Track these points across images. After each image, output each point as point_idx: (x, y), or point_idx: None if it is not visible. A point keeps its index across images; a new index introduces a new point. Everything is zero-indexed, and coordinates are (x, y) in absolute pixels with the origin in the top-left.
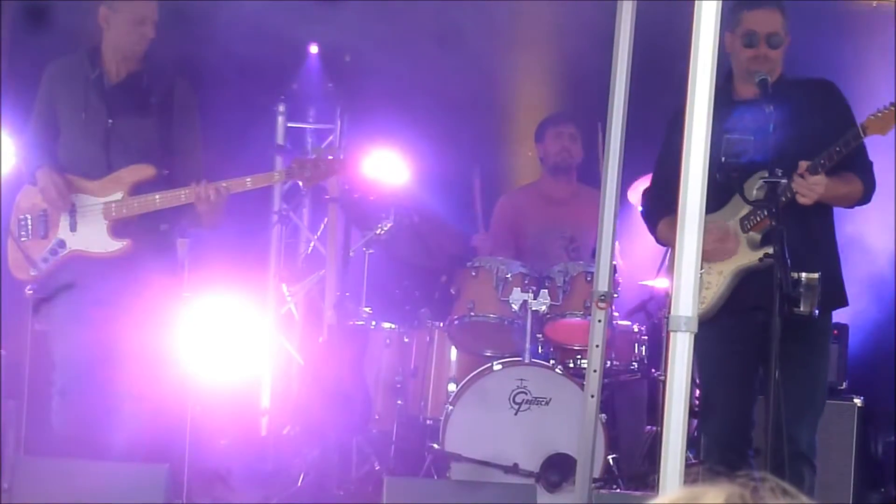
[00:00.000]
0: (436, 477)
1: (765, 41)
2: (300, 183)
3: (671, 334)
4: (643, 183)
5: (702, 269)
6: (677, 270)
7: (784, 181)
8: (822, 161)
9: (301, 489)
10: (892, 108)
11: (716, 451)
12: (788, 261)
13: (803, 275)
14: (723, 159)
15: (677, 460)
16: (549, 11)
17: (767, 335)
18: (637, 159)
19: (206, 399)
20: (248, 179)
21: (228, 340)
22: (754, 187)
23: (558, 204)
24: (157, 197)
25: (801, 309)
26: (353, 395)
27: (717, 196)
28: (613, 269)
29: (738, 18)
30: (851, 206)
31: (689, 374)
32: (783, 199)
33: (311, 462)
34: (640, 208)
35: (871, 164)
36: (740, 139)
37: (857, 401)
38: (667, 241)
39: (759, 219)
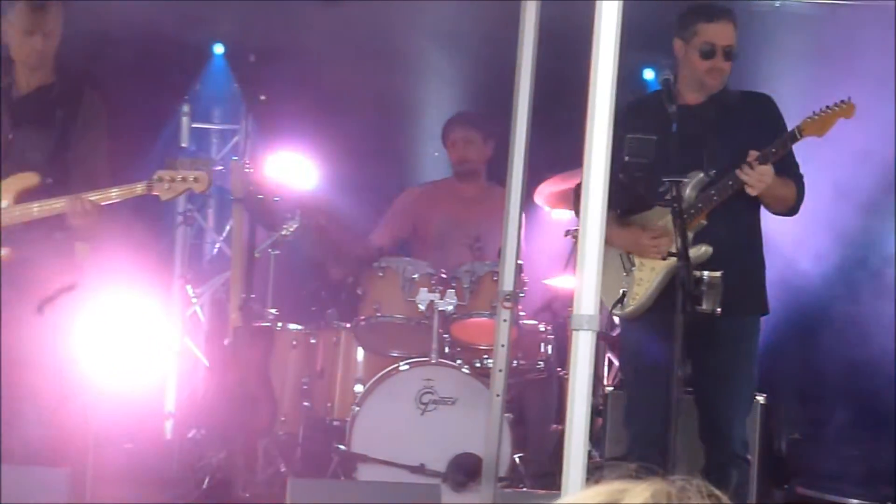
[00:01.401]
0: (342, 478)
1: (722, 54)
2: (158, 195)
3: (573, 333)
4: (551, 185)
5: (634, 266)
6: (579, 269)
7: (689, 178)
8: (773, 150)
9: (206, 492)
10: (829, 111)
11: (639, 448)
12: (708, 258)
13: (706, 273)
14: (626, 159)
15: (580, 458)
16: (455, 10)
17: (696, 332)
18: (545, 159)
19: (109, 402)
20: (115, 191)
21: (132, 343)
22: (690, 184)
23: (466, 203)
24: (35, 207)
25: (704, 307)
26: (259, 397)
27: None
28: (519, 269)
29: (694, 29)
30: (782, 212)
31: (592, 372)
32: (721, 193)
33: (217, 465)
34: (546, 208)
35: (802, 175)
36: (643, 139)
37: (760, 398)
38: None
39: (689, 217)
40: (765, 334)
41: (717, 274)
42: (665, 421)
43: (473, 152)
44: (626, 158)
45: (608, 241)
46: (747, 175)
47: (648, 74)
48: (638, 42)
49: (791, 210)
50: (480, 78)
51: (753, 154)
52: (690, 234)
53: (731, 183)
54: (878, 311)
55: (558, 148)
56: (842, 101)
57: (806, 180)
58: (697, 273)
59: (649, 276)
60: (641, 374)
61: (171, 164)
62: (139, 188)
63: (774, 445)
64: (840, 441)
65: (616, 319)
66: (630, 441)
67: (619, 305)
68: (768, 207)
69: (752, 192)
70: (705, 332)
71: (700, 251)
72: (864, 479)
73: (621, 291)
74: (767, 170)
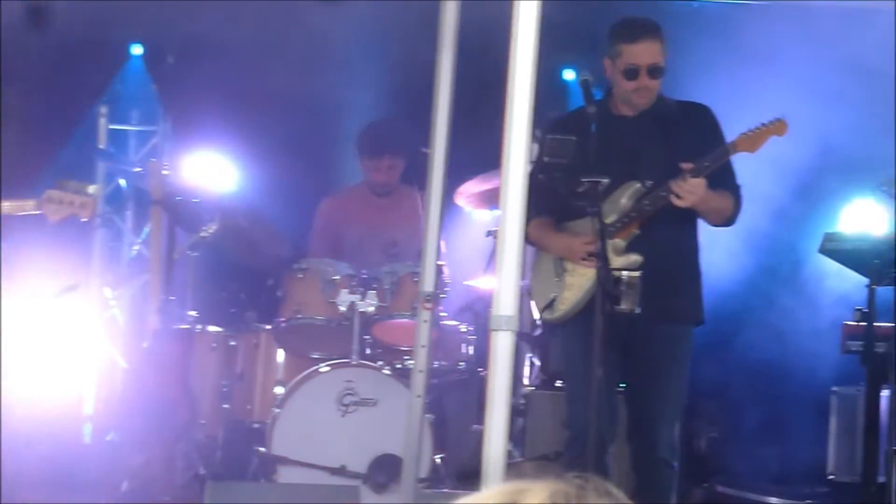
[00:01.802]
0: (263, 480)
1: (646, 73)
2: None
3: (492, 333)
4: (472, 186)
5: (566, 271)
6: (498, 270)
7: (606, 181)
8: (705, 164)
9: (125, 495)
10: (763, 128)
11: (577, 446)
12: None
13: (624, 273)
14: (545, 159)
15: (499, 458)
16: (374, 11)
17: (630, 333)
18: (467, 160)
19: (26, 405)
20: (6, 204)
21: (50, 346)
22: (626, 193)
23: (381, 209)
24: None
25: (623, 307)
26: (179, 400)
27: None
28: (440, 270)
29: (618, 50)
30: (719, 224)
31: (511, 372)
32: (654, 203)
33: (136, 468)
34: (468, 209)
35: (739, 186)
36: (563, 140)
37: None
38: (535, 240)
39: (622, 226)
40: None
41: (636, 274)
42: (594, 421)
43: (382, 176)
44: (546, 159)
45: (543, 247)
46: (679, 187)
47: (569, 75)
48: (557, 43)
49: (728, 221)
50: (401, 79)
51: (687, 166)
52: (623, 243)
53: (663, 194)
54: (792, 314)
55: (480, 148)
56: (776, 119)
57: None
58: (617, 273)
59: (580, 281)
60: (574, 377)
61: (61, 184)
62: (30, 205)
63: (694, 444)
64: (759, 440)
65: (543, 321)
66: (569, 438)
67: (549, 310)
68: (705, 219)
69: (681, 203)
70: (638, 336)
71: (630, 259)
72: (783, 478)
73: (552, 296)
74: (699, 183)
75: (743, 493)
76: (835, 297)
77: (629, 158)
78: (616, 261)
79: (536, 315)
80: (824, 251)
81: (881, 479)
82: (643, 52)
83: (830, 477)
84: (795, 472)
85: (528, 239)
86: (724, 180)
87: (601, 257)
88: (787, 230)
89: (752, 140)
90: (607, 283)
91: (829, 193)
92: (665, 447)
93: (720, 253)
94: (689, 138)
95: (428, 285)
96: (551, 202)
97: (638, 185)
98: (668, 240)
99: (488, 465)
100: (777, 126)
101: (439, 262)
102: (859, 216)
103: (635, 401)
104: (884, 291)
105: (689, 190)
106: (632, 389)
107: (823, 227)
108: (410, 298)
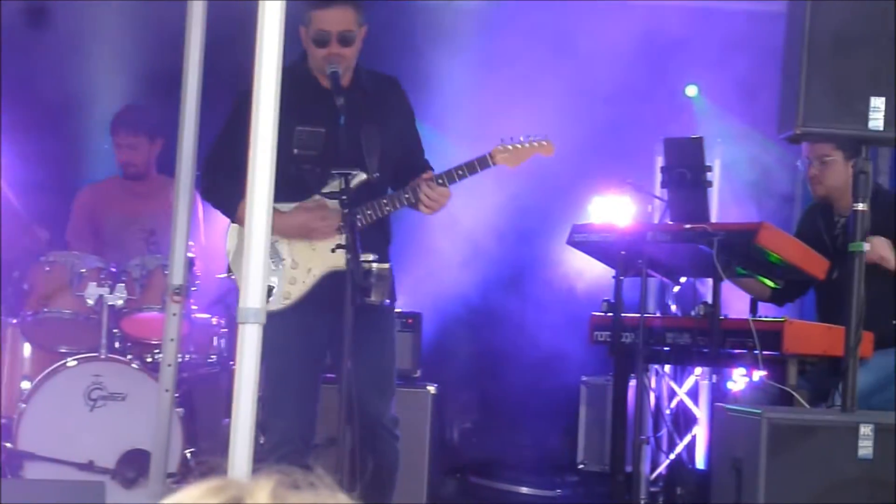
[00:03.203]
0: (9, 476)
1: (337, 40)
2: None
3: (240, 326)
4: None
5: (283, 260)
6: (245, 263)
7: (356, 172)
8: (458, 172)
9: None
10: (526, 145)
11: (286, 444)
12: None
13: (374, 265)
14: (295, 151)
15: (246, 450)
16: (125, 8)
17: (335, 326)
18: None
19: None
20: None
21: None
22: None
23: (138, 198)
24: None
25: (372, 298)
26: None
27: (309, 186)
28: (191, 262)
29: (309, 17)
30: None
31: (259, 365)
32: (395, 204)
33: None
34: None
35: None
36: (312, 132)
37: (431, 388)
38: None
39: (361, 222)
40: (435, 328)
41: (386, 265)
42: (309, 415)
43: (139, 156)
44: (295, 151)
45: (274, 232)
46: (427, 196)
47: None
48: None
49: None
50: (152, 68)
51: (430, 174)
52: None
53: (407, 196)
54: (542, 305)
55: None
56: (544, 139)
57: (482, 188)
58: (367, 265)
59: (305, 276)
60: (282, 369)
61: None
62: None
63: (446, 435)
64: (511, 430)
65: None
66: (275, 437)
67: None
68: (426, 211)
69: (427, 212)
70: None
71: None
72: (534, 467)
73: (268, 284)
74: (446, 192)
75: (495, 483)
76: (584, 288)
77: (347, 143)
78: (342, 259)
79: None
80: (572, 243)
81: (629, 468)
82: (335, 18)
83: (580, 466)
84: (546, 461)
85: (238, 221)
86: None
87: (351, 249)
88: (537, 222)
89: (515, 155)
90: (357, 275)
91: (577, 185)
92: (388, 419)
93: (473, 245)
94: (391, 114)
95: (177, 278)
96: (291, 192)
97: (364, 177)
98: (378, 226)
99: (234, 458)
100: (545, 146)
101: (189, 255)
102: (606, 208)
103: (360, 388)
104: (630, 282)
105: (438, 200)
106: (356, 378)
107: (572, 219)
108: (160, 291)
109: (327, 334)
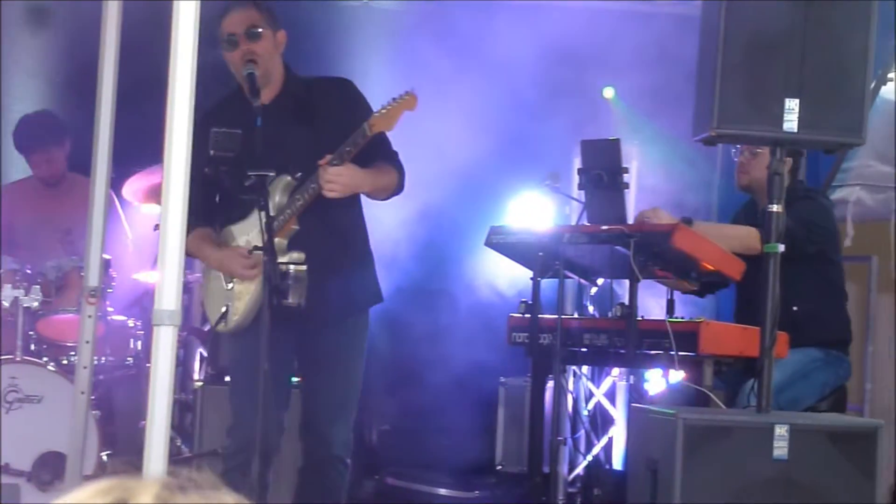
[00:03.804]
0: None
1: (245, 37)
2: None
3: (155, 328)
4: (138, 180)
5: (232, 280)
6: (160, 265)
7: (271, 174)
8: (347, 149)
9: None
10: (394, 104)
11: (244, 451)
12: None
13: (292, 267)
14: (211, 153)
15: (161, 452)
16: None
17: (301, 339)
18: (134, 153)
19: None
20: None
21: None
22: (279, 187)
23: (53, 196)
24: None
25: (290, 301)
26: None
27: (244, 205)
28: (107, 264)
29: (220, 31)
30: (388, 197)
31: (174, 367)
32: (305, 196)
33: None
34: (136, 203)
35: (396, 153)
36: (228, 133)
37: None
38: (193, 253)
39: (279, 224)
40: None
41: (303, 267)
42: (270, 428)
43: (56, 166)
44: (212, 152)
45: (203, 261)
46: (322, 178)
47: None
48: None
49: (396, 191)
50: (66, 69)
51: (326, 158)
52: (285, 241)
53: (313, 185)
54: (462, 306)
55: (147, 142)
56: (405, 93)
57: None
58: (284, 267)
59: (247, 288)
60: (242, 387)
61: None
62: None
63: (365, 437)
64: (429, 432)
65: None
66: (237, 444)
67: (223, 322)
68: (372, 197)
69: (331, 194)
70: (312, 333)
71: (293, 257)
72: (453, 469)
73: (223, 307)
74: (342, 170)
75: (413, 484)
76: (502, 289)
77: (273, 149)
78: (280, 260)
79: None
80: (490, 244)
81: (546, 469)
82: (237, 19)
83: (498, 467)
84: (464, 463)
85: (187, 252)
86: (381, 155)
87: (268, 251)
88: (455, 224)
89: (387, 118)
90: (274, 278)
91: (495, 187)
92: (340, 445)
93: (392, 246)
94: (332, 117)
95: (92, 280)
96: (212, 206)
97: (288, 179)
98: (328, 230)
99: (149, 460)
100: (407, 100)
101: (105, 256)
102: (525, 210)
103: (309, 398)
104: (548, 284)
105: (333, 179)
106: (306, 386)
107: (490, 221)
108: (76, 293)
109: (292, 344)
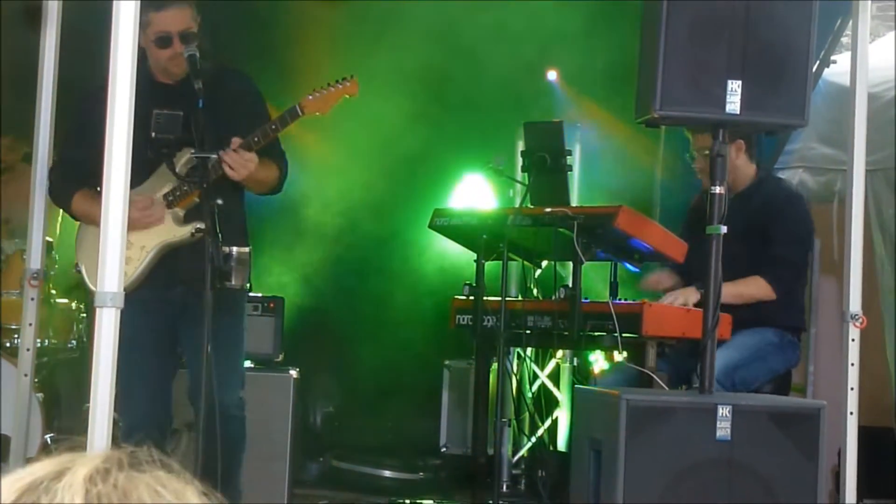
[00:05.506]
0: None
1: (179, 39)
2: None
3: (97, 310)
4: None
5: (129, 247)
6: (102, 248)
7: (214, 156)
8: (255, 138)
9: None
10: (331, 88)
11: (138, 431)
12: (220, 235)
13: (234, 249)
14: (153, 135)
15: (104, 433)
16: None
17: (186, 310)
18: None
19: None
20: None
21: None
22: (180, 162)
23: None
24: None
25: (233, 283)
26: None
27: (141, 170)
28: (50, 246)
29: (147, 20)
30: (264, 193)
31: (116, 349)
32: (214, 175)
33: None
34: None
35: (284, 153)
36: (170, 115)
37: (293, 372)
38: (84, 215)
39: (182, 194)
40: (297, 312)
41: (246, 249)
42: (162, 400)
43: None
44: (153, 134)
45: (96, 221)
46: (231, 159)
47: None
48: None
49: (274, 190)
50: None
51: (237, 141)
52: (182, 212)
53: (213, 167)
54: (406, 288)
55: None
56: (344, 79)
57: (345, 172)
58: (227, 249)
59: (139, 254)
60: (131, 355)
61: None
62: None
63: (309, 419)
64: (374, 414)
65: None
66: (128, 425)
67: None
68: (250, 189)
69: (234, 176)
70: (194, 306)
71: (193, 227)
72: (397, 450)
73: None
74: (252, 156)
75: (357, 466)
76: (446, 271)
77: (184, 120)
78: (179, 230)
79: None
80: (434, 227)
81: (491, 451)
82: (173, 19)
83: (443, 449)
84: (409, 444)
85: (74, 214)
86: (269, 150)
87: (211, 233)
88: (399, 206)
89: (322, 101)
90: (216, 259)
91: (439, 169)
92: (234, 405)
93: (336, 229)
94: (231, 104)
95: (35, 262)
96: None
97: (190, 154)
98: (220, 208)
99: (93, 442)
100: (349, 86)
101: (48, 239)
102: (470, 192)
103: (196, 367)
104: (492, 266)
105: (242, 164)
106: (193, 358)
107: (434, 203)
108: (19, 276)
109: (174, 313)
